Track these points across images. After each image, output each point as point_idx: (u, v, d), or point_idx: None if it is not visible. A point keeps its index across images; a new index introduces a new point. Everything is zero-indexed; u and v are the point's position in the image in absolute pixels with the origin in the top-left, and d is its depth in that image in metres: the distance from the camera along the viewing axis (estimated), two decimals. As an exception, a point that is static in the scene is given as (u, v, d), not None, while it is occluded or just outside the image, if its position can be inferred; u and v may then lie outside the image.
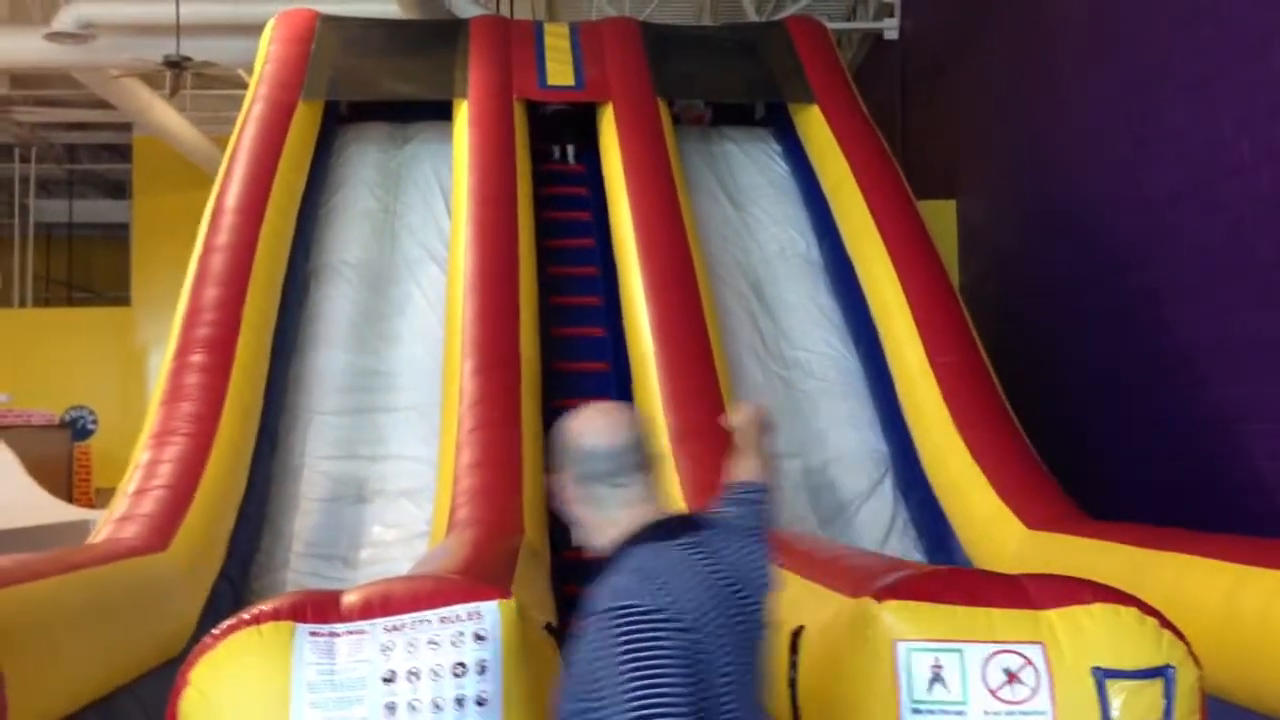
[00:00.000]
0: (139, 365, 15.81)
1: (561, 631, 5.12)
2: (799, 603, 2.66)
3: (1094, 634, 2.21)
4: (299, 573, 5.40)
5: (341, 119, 8.08)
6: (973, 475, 5.36)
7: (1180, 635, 2.26)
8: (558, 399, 6.50)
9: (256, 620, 2.10)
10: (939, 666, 2.16)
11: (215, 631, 2.13)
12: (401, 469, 5.95)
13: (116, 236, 17.54)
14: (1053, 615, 2.25)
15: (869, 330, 6.78)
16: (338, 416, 6.25)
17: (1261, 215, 5.43)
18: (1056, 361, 7.54)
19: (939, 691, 2.16)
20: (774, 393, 6.66)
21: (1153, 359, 6.37)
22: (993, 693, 2.16)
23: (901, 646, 2.18)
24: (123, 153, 16.94)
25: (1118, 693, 2.16)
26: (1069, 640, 2.21)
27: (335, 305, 6.83)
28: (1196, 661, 2.25)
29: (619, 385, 6.37)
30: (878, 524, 6.02)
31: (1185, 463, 5.98)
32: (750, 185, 8.13)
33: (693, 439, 5.31)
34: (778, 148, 8.40)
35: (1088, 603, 2.25)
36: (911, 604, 2.23)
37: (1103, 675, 2.17)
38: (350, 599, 2.21)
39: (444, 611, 2.12)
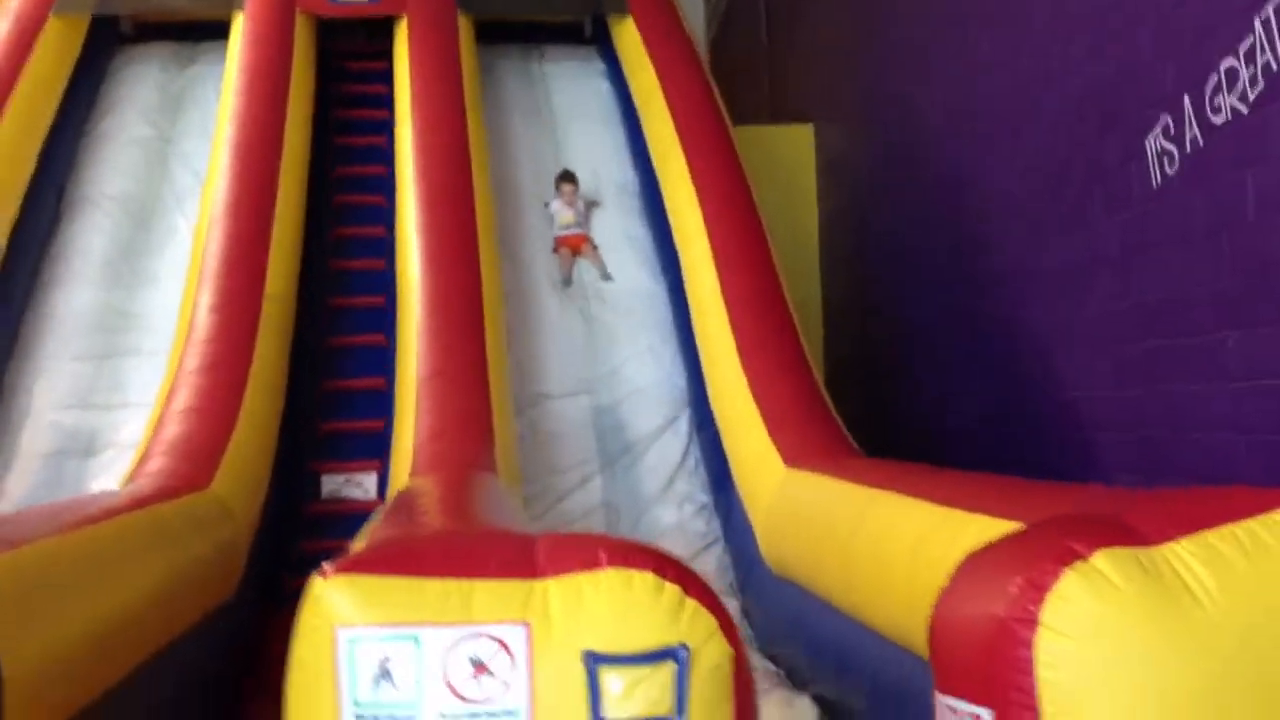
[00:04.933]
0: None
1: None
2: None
3: (595, 608, 1.75)
4: (6, 536, 4.84)
5: (125, 39, 7.39)
6: (749, 410, 4.92)
7: (713, 606, 1.80)
8: (335, 336, 6.03)
9: None
10: (387, 659, 1.70)
11: None
12: (139, 418, 5.37)
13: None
14: (551, 585, 1.78)
15: (678, 259, 6.31)
16: (77, 362, 5.68)
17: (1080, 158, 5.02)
18: (909, 293, 7.16)
19: (386, 691, 1.69)
20: (569, 326, 6.20)
21: (993, 295, 5.99)
22: (453, 690, 1.69)
23: (343, 635, 1.71)
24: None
25: (613, 682, 1.70)
26: (564, 617, 1.74)
27: (87, 241, 6.22)
28: (730, 638, 1.80)
29: (394, 321, 5.85)
30: (666, 463, 5.60)
31: (1011, 393, 5.64)
32: (569, 107, 7.60)
33: (438, 379, 4.82)
34: (601, 67, 7.86)
35: (598, 567, 1.79)
36: (365, 579, 1.75)
37: (595, 661, 1.71)
38: None
39: None
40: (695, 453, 5.63)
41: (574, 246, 6.50)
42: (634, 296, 6.42)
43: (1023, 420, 5.48)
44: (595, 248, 6.51)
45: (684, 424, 5.77)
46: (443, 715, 1.69)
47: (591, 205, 6.74)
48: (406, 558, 1.80)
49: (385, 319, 5.93)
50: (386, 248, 6.31)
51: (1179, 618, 1.82)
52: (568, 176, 6.61)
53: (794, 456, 4.39)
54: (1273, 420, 3.65)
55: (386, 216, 6.46)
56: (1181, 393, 4.14)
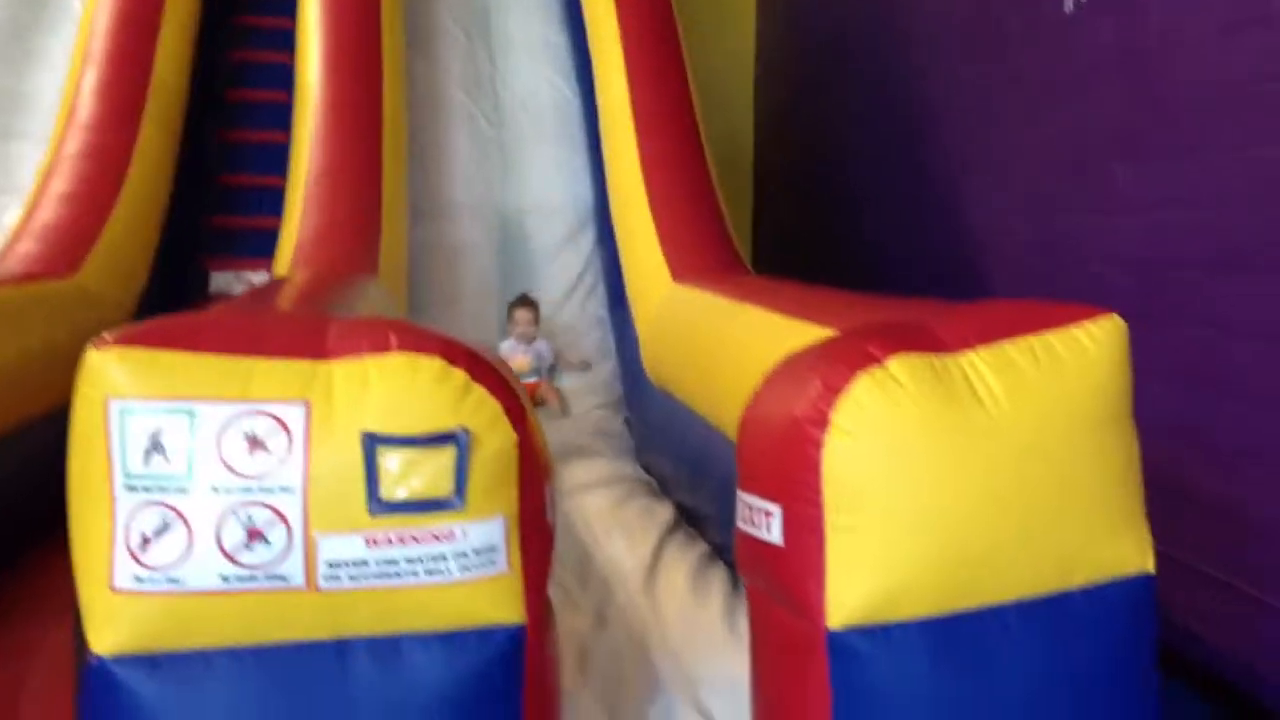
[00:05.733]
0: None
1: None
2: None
3: (378, 391, 1.73)
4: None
5: None
6: (645, 225, 4.87)
7: (500, 392, 1.78)
8: (232, 130, 5.85)
9: None
10: (160, 432, 1.68)
11: None
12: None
13: None
14: (335, 367, 1.75)
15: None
16: (-40, 145, 5.45)
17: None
18: (836, 114, 7.04)
19: (158, 463, 1.67)
20: (477, 136, 6.05)
21: (915, 118, 5.91)
22: (227, 464, 1.68)
23: (115, 405, 1.68)
24: None
25: (390, 463, 1.70)
26: (345, 398, 1.72)
27: (-28, 17, 5.89)
28: (516, 424, 1.79)
29: (296, 117, 5.66)
30: (567, 276, 5.56)
31: (924, 215, 5.62)
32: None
33: (327, 179, 4.70)
34: None
35: (386, 351, 1.77)
36: (141, 352, 1.71)
37: (373, 442, 1.70)
38: None
39: None
40: (596, 266, 5.60)
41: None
42: (546, 106, 6.26)
43: (932, 241, 5.50)
44: (557, 390, 5.13)
45: (587, 239, 5.72)
46: (215, 489, 1.68)
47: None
48: (186, 333, 1.76)
49: (286, 116, 5.73)
50: (293, 41, 6.06)
51: (962, 422, 1.85)
52: (524, 301, 5.17)
53: (682, 272, 4.37)
54: (1152, 252, 3.68)
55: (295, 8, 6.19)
56: (1072, 224, 4.15)
